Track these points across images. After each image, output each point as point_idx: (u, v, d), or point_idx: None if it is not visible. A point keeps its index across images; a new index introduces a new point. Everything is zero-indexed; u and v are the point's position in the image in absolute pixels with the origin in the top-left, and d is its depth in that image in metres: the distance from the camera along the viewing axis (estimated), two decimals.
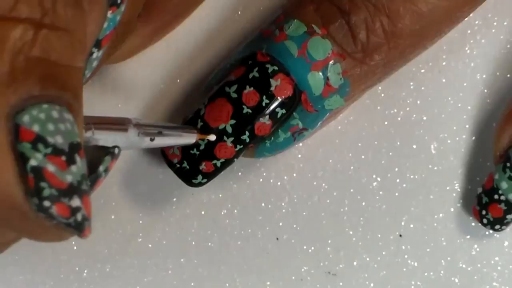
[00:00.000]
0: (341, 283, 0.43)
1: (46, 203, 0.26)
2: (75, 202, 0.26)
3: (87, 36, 0.30)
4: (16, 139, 0.26)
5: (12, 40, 0.26)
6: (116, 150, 0.31)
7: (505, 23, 0.42)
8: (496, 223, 0.40)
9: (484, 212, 0.40)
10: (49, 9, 0.27)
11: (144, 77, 0.41)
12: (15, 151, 0.26)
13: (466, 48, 0.42)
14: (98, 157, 0.31)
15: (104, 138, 0.31)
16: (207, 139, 0.37)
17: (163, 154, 0.38)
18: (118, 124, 0.32)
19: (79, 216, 0.26)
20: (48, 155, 0.26)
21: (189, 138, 0.37)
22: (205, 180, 0.38)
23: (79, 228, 0.27)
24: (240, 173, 0.42)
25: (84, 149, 0.30)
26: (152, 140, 0.34)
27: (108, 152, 0.31)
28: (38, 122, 0.26)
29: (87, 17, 0.29)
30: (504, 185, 0.39)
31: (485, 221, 0.40)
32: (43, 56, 0.27)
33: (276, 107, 0.37)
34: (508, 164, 0.39)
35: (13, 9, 0.26)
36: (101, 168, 0.31)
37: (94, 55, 0.31)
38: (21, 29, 0.26)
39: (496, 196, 0.40)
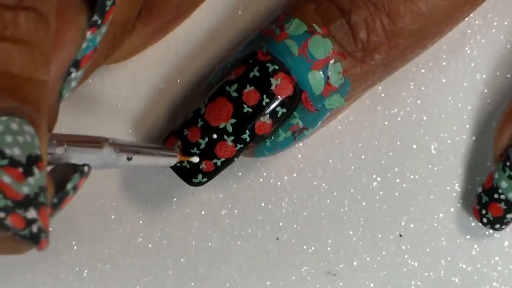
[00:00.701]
0: (341, 283, 0.43)
1: (1, 214, 0.26)
2: (31, 213, 0.26)
3: (63, 54, 0.30)
4: None
5: None
6: (86, 168, 0.31)
7: (505, 23, 0.42)
8: (496, 222, 0.40)
9: (484, 212, 0.40)
10: (10, 22, 0.27)
11: (144, 77, 0.41)
12: None
13: (466, 48, 0.42)
14: (68, 174, 0.31)
15: (78, 156, 0.31)
16: (191, 160, 0.37)
17: None
18: (93, 142, 0.32)
19: (34, 228, 0.26)
20: (4, 167, 0.26)
21: (169, 159, 0.36)
22: (205, 179, 0.38)
23: (35, 239, 0.26)
24: (240, 173, 0.42)
25: (56, 167, 0.30)
26: (129, 159, 0.33)
27: (77, 169, 0.31)
28: None
29: (52, 30, 0.29)
30: (504, 184, 0.39)
31: (485, 220, 0.40)
32: (3, 69, 0.27)
33: (276, 106, 0.37)
34: (508, 163, 0.39)
35: None
36: (69, 186, 0.30)
37: (73, 75, 0.31)
38: None
39: (496, 195, 0.40)
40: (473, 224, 0.42)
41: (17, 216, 0.26)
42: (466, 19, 0.39)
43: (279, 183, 0.42)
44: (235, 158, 0.37)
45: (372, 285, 0.43)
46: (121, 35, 0.35)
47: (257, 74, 0.37)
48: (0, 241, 0.26)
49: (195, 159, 0.37)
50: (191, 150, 0.37)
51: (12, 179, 0.26)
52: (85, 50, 0.31)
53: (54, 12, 0.29)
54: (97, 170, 0.32)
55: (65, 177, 0.30)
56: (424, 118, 0.42)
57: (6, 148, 0.26)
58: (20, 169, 0.26)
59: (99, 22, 0.31)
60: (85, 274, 0.42)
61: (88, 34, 0.31)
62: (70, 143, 0.31)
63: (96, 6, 0.31)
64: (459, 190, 0.42)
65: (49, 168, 0.30)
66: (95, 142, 0.32)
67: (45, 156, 0.28)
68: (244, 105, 0.36)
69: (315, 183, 0.42)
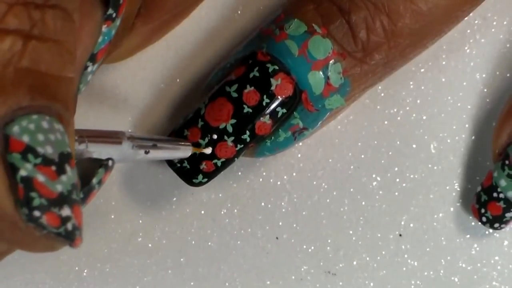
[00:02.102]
0: (341, 283, 0.43)
1: (36, 213, 0.26)
2: (65, 211, 0.26)
3: (81, 49, 0.30)
4: (5, 150, 0.26)
5: (1, 51, 0.26)
6: (110, 163, 0.31)
7: (504, 23, 0.42)
8: (495, 221, 0.40)
9: (483, 211, 0.40)
10: (38, 20, 0.27)
11: (144, 77, 0.41)
12: (5, 162, 0.26)
13: (466, 48, 0.42)
14: (92, 169, 0.31)
15: (98, 151, 0.31)
16: (203, 152, 0.37)
17: None
18: (112, 137, 0.32)
19: (69, 226, 0.26)
20: (37, 165, 0.26)
21: (184, 151, 0.37)
22: (205, 180, 0.38)
23: (70, 237, 0.27)
24: (240, 173, 0.42)
25: (78, 162, 0.30)
26: (147, 153, 0.34)
27: (102, 164, 0.31)
28: (28, 132, 0.26)
29: (77, 28, 0.29)
30: (503, 183, 0.40)
31: (484, 219, 0.40)
32: (32, 67, 0.27)
33: (276, 107, 0.37)
34: (507, 162, 0.39)
35: (2, 21, 0.26)
36: (94, 180, 0.31)
37: (89, 69, 0.31)
38: (10, 40, 0.26)
39: (495, 194, 0.40)
40: (473, 223, 0.42)
41: (52, 215, 0.26)
42: (466, 18, 0.39)
43: (278, 183, 0.42)
44: (235, 159, 0.37)
45: (371, 284, 0.43)
46: (122, 31, 0.35)
47: (257, 74, 0.37)
48: (34, 239, 0.27)
49: (208, 150, 0.37)
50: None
51: (46, 177, 0.26)
52: (101, 43, 0.31)
53: (78, 9, 0.29)
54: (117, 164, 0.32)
55: (88, 172, 0.31)
56: (424, 117, 0.42)
57: (39, 147, 0.26)
58: (53, 167, 0.26)
59: (114, 15, 0.31)
60: (84, 273, 0.42)
61: (104, 28, 0.31)
62: (91, 139, 0.31)
63: (110, 0, 0.31)
64: (458, 189, 0.42)
65: None
66: (114, 137, 0.32)
67: (73, 153, 0.28)
68: (244, 106, 0.36)
69: (314, 182, 0.42)
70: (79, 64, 0.31)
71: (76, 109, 0.32)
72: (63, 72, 0.28)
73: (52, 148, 0.26)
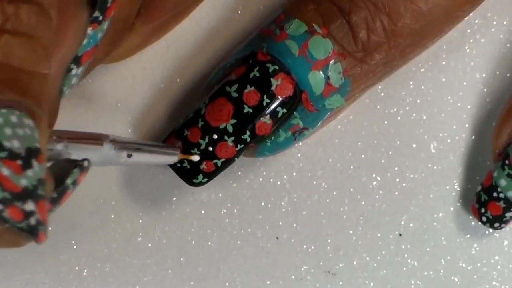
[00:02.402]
0: (340, 283, 0.43)
1: None
2: (29, 206, 0.26)
3: (64, 49, 0.30)
4: None
5: None
6: (86, 163, 0.31)
7: (504, 23, 0.42)
8: (495, 221, 0.40)
9: (483, 210, 0.40)
10: (11, 14, 0.27)
11: (144, 77, 0.41)
12: None
13: (466, 48, 0.42)
14: (68, 169, 0.31)
15: (78, 152, 0.31)
16: (191, 159, 0.37)
17: None
18: (93, 138, 0.32)
19: (32, 221, 0.26)
20: (3, 159, 0.26)
21: (170, 157, 0.36)
22: (205, 180, 0.38)
23: (33, 232, 0.27)
24: (240, 173, 0.42)
25: (56, 162, 0.30)
26: (129, 156, 0.34)
27: (77, 164, 0.31)
28: None
29: (54, 25, 0.29)
30: (503, 182, 0.40)
31: (484, 219, 0.40)
32: (4, 61, 0.27)
33: (277, 107, 0.37)
34: (507, 162, 0.39)
35: None
36: (68, 181, 0.31)
37: (74, 72, 0.31)
38: None
39: (495, 194, 0.40)
40: (473, 223, 0.42)
41: (15, 208, 0.26)
42: (466, 18, 0.39)
43: (278, 183, 0.42)
44: (236, 159, 0.37)
45: (371, 284, 0.43)
46: (121, 31, 0.35)
47: (258, 74, 0.37)
48: None
49: (196, 158, 0.37)
50: (192, 151, 0.37)
51: (11, 171, 0.26)
52: (86, 46, 0.31)
53: (56, 6, 0.29)
54: (98, 166, 0.32)
55: (65, 173, 0.31)
56: (424, 117, 0.42)
57: (5, 141, 0.26)
58: (19, 162, 0.26)
59: (100, 18, 0.31)
60: (84, 273, 0.42)
61: (89, 30, 0.31)
62: (71, 139, 0.31)
63: (97, 2, 0.31)
64: (458, 189, 0.42)
65: (49, 163, 0.30)
66: (96, 139, 0.32)
67: (44, 149, 0.28)
68: (244, 106, 0.36)
69: (314, 182, 0.42)
70: (61, 64, 0.31)
71: (59, 109, 0.32)
72: (37, 67, 0.28)
73: (20, 143, 0.26)
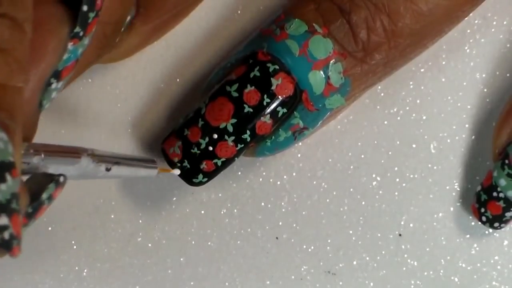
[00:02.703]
0: (340, 283, 0.43)
1: None
2: (2, 220, 0.26)
3: (44, 64, 0.30)
4: None
5: None
6: (62, 179, 0.31)
7: (504, 23, 0.42)
8: (495, 221, 0.40)
9: (483, 210, 0.40)
10: None
11: (143, 77, 0.41)
12: None
13: (466, 48, 0.42)
14: (44, 184, 0.31)
15: (55, 165, 0.31)
16: (172, 172, 0.37)
17: (164, 153, 0.38)
18: (71, 152, 0.32)
19: (6, 235, 0.26)
20: None
21: (149, 171, 0.36)
22: (205, 179, 0.38)
23: (6, 246, 0.26)
24: (239, 173, 0.42)
25: (32, 176, 0.30)
26: (108, 170, 0.33)
27: (53, 179, 0.31)
28: None
29: (28, 38, 0.28)
30: (502, 182, 0.40)
31: (484, 219, 0.40)
32: None
33: (277, 106, 0.37)
34: (507, 161, 0.39)
35: None
36: (44, 195, 0.30)
37: (53, 86, 0.31)
38: None
39: (495, 194, 0.40)
40: (473, 223, 0.42)
41: None
42: (466, 18, 0.39)
43: (278, 183, 0.42)
44: (236, 158, 0.37)
45: (371, 284, 0.43)
46: (113, 34, 0.34)
47: (258, 74, 0.37)
48: None
49: (176, 172, 0.37)
50: (192, 150, 0.37)
51: None
52: (66, 61, 0.31)
53: (30, 20, 0.29)
54: (76, 180, 0.32)
55: (41, 187, 0.30)
56: (424, 117, 0.42)
57: None
58: None
59: (81, 34, 0.31)
60: (84, 273, 0.42)
61: (70, 46, 0.31)
62: (47, 153, 0.31)
63: (78, 18, 0.31)
64: (458, 189, 0.42)
65: (25, 177, 0.30)
66: (73, 153, 0.32)
67: (19, 163, 0.27)
68: (244, 105, 0.36)
69: (314, 182, 0.42)
70: (40, 79, 0.31)
71: (38, 123, 0.32)
72: (10, 81, 0.28)
73: None
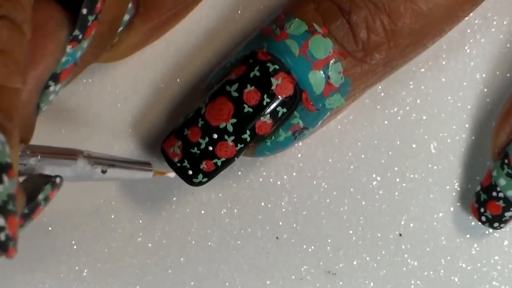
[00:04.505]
0: (341, 283, 0.43)
1: None
2: None
3: (42, 66, 0.30)
4: None
5: None
6: (58, 180, 0.31)
7: (504, 23, 0.42)
8: (495, 221, 0.40)
9: (482, 210, 0.40)
10: None
11: (143, 77, 0.41)
12: None
13: (466, 48, 0.42)
14: (40, 185, 0.31)
15: (51, 167, 0.31)
16: (168, 176, 0.37)
17: (164, 153, 0.38)
18: (67, 154, 0.32)
19: (2, 236, 0.26)
20: None
21: (144, 174, 0.37)
22: (205, 179, 0.38)
23: (3, 247, 0.26)
24: (240, 173, 0.42)
25: (29, 177, 0.30)
26: (104, 172, 0.34)
27: (49, 181, 0.31)
28: None
29: (27, 40, 0.29)
30: (502, 182, 0.39)
31: (483, 218, 0.40)
32: None
33: (277, 106, 0.37)
34: (506, 161, 0.39)
35: None
36: (40, 197, 0.30)
37: (51, 88, 0.31)
38: None
39: (494, 193, 0.40)
40: (473, 223, 0.42)
41: None
42: (466, 18, 0.39)
43: (278, 183, 0.42)
44: (236, 158, 0.37)
45: (371, 284, 0.43)
46: (109, 34, 0.34)
47: (258, 74, 0.37)
48: None
49: (172, 175, 0.38)
50: (191, 150, 0.37)
51: None
52: (65, 64, 0.31)
53: (29, 22, 0.29)
54: (72, 182, 0.32)
55: (37, 188, 0.31)
56: (424, 117, 0.42)
57: None
58: None
59: (80, 37, 0.31)
60: (84, 273, 0.42)
61: (68, 48, 0.31)
62: (44, 155, 0.31)
63: (77, 21, 0.31)
64: (458, 189, 0.42)
65: (22, 178, 0.30)
66: (69, 154, 0.32)
67: (16, 164, 0.28)
68: (244, 105, 0.36)
69: (314, 182, 0.42)
70: (38, 81, 0.31)
71: (35, 125, 0.32)
72: (8, 82, 0.28)
73: None
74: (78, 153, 0.33)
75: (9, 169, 0.27)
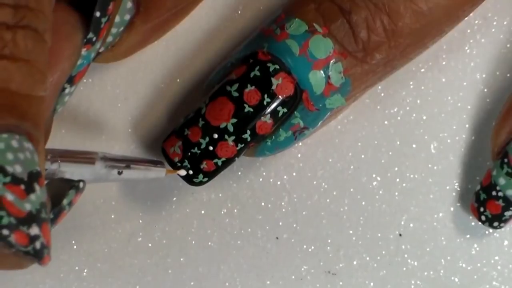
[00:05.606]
0: (341, 283, 0.43)
1: (5, 232, 0.26)
2: (34, 230, 0.26)
3: (59, 71, 0.30)
4: None
5: None
6: (81, 184, 0.31)
7: (505, 23, 0.42)
8: (495, 220, 0.40)
9: (482, 209, 0.40)
10: (9, 41, 0.27)
11: (144, 76, 0.41)
12: None
13: (466, 48, 0.42)
14: (63, 190, 0.31)
15: (71, 171, 0.32)
16: (178, 174, 0.37)
17: (164, 153, 0.38)
18: (85, 157, 0.33)
19: (37, 244, 0.27)
20: (7, 184, 0.26)
21: (158, 173, 0.37)
22: (206, 179, 0.38)
23: (38, 256, 0.27)
24: (240, 173, 0.42)
25: (50, 182, 0.30)
26: (120, 173, 0.34)
27: (73, 185, 0.31)
28: None
29: (48, 48, 0.29)
30: (502, 181, 0.40)
31: (483, 218, 0.40)
32: (3, 86, 0.27)
33: (277, 106, 0.37)
34: (506, 160, 0.39)
35: None
36: (65, 202, 0.31)
37: (67, 91, 0.32)
38: None
39: (494, 193, 0.40)
40: (473, 223, 0.42)
41: (21, 233, 0.26)
42: (466, 18, 0.39)
43: (278, 183, 0.42)
44: (236, 158, 0.37)
45: (372, 284, 0.43)
46: (106, 31, 0.35)
47: (258, 73, 0.37)
48: (2, 257, 0.27)
49: (182, 172, 0.38)
50: (192, 150, 0.37)
51: (15, 196, 0.26)
52: (80, 66, 0.31)
53: (50, 30, 0.29)
54: (89, 183, 0.33)
55: (59, 192, 0.31)
56: (424, 117, 0.42)
57: (8, 166, 0.26)
58: (22, 186, 0.27)
59: (94, 39, 0.31)
60: (84, 273, 0.42)
61: (83, 51, 0.31)
62: (63, 159, 0.31)
63: (91, 24, 0.31)
64: (458, 189, 0.42)
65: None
66: (87, 157, 0.33)
67: (43, 172, 0.28)
68: (245, 105, 0.36)
69: (314, 182, 0.42)
70: (56, 86, 0.31)
71: (51, 128, 0.32)
72: (34, 91, 0.28)
73: (21, 167, 0.27)
74: (95, 155, 0.33)
75: (39, 177, 0.27)
